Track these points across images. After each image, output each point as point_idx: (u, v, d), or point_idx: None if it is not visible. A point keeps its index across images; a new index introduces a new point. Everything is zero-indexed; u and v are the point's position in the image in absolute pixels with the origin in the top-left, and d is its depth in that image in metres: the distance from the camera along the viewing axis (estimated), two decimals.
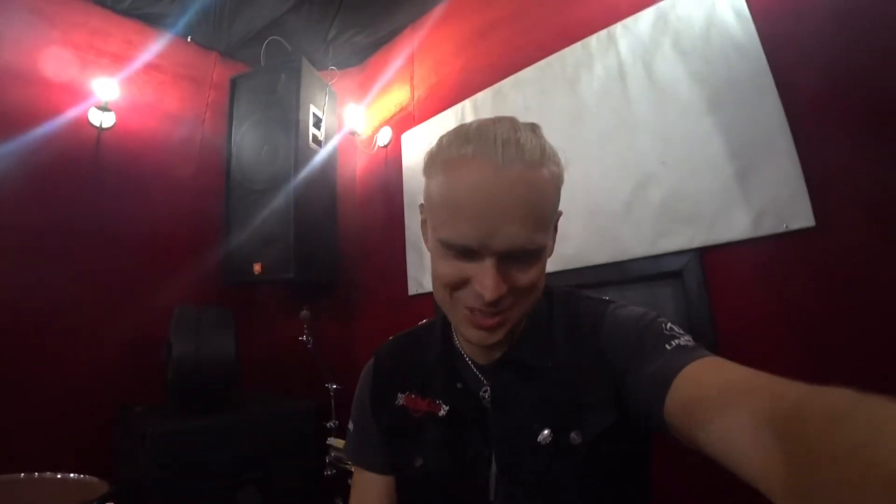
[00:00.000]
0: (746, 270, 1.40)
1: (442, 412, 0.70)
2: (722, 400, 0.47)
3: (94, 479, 1.54)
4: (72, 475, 1.56)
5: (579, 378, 0.65)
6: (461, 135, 0.59)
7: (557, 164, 0.60)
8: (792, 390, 0.42)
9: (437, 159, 0.60)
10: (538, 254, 0.58)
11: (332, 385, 2.11)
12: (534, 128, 0.61)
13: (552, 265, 1.81)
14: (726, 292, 1.44)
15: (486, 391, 0.69)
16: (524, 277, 0.58)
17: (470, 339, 0.62)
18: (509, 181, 0.54)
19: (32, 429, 1.80)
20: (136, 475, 1.69)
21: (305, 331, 2.13)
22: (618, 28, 1.72)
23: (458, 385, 0.71)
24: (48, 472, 1.55)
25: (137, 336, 2.08)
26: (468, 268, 0.58)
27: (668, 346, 0.58)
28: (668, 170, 1.57)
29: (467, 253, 0.57)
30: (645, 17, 1.66)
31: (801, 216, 1.31)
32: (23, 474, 1.52)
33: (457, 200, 0.56)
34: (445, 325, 0.78)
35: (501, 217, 0.54)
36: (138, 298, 2.14)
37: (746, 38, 1.44)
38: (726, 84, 1.47)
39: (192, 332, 1.90)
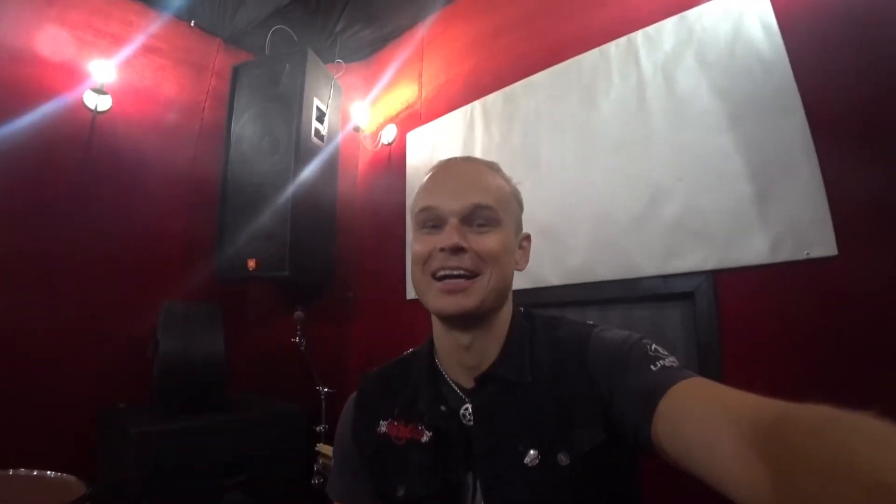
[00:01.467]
0: (761, 297, 1.35)
1: (425, 438, 0.71)
2: (706, 416, 0.49)
3: (72, 479, 1.48)
4: (49, 473, 1.50)
5: (565, 398, 0.66)
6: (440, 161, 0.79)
7: (509, 181, 0.77)
8: (773, 407, 0.43)
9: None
10: (495, 221, 0.70)
11: (323, 388, 2.05)
12: (492, 162, 0.78)
13: (556, 277, 1.77)
14: (738, 319, 1.38)
15: (467, 409, 0.71)
16: (483, 241, 0.68)
17: (446, 309, 0.68)
18: (464, 168, 0.75)
19: (12, 426, 1.73)
20: (118, 476, 1.63)
21: (298, 332, 2.07)
22: (639, 36, 1.65)
23: (442, 408, 0.72)
24: (23, 469, 1.49)
25: (124, 331, 2.01)
26: (435, 238, 0.69)
27: (653, 367, 0.61)
28: (684, 186, 1.51)
29: (434, 221, 0.70)
30: (668, 27, 1.59)
31: (823, 244, 1.25)
32: None
33: (428, 185, 0.74)
34: (430, 350, 0.79)
35: (460, 186, 0.70)
36: (126, 291, 2.07)
37: (773, 53, 1.38)
38: (749, 100, 1.41)
39: (181, 329, 1.84)
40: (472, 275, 0.67)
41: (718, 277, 1.43)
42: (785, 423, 0.39)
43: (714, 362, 1.39)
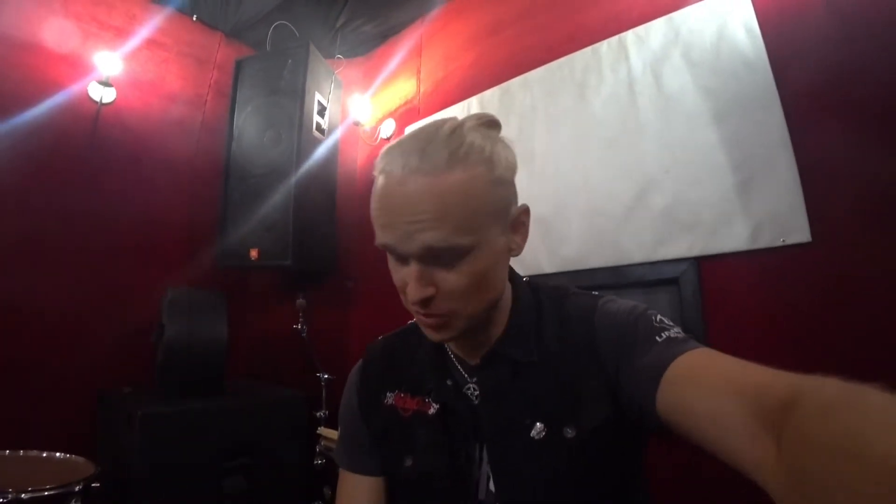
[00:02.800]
0: (742, 281, 1.44)
1: (432, 410, 0.70)
2: (713, 389, 0.48)
3: (81, 459, 1.53)
4: (58, 454, 1.55)
5: (572, 372, 0.65)
6: (386, 149, 0.62)
7: (480, 162, 0.58)
8: (781, 380, 0.43)
9: (374, 172, 0.63)
10: (461, 254, 0.58)
11: (324, 375, 2.10)
12: (453, 136, 0.58)
13: (551, 266, 1.85)
14: (720, 302, 1.47)
15: (469, 388, 0.70)
16: (451, 278, 0.59)
17: (431, 339, 0.65)
18: (411, 189, 0.56)
19: (14, 408, 1.76)
20: (120, 457, 1.67)
21: (300, 319, 2.13)
22: (629, 35, 1.74)
23: (448, 382, 0.71)
24: (34, 451, 1.53)
25: (126, 316, 2.05)
26: (404, 270, 0.61)
27: (658, 339, 0.59)
28: (672, 178, 1.60)
29: (398, 256, 0.60)
30: (657, 27, 1.68)
31: (798, 231, 1.35)
32: (8, 451, 1.50)
33: (375, 211, 0.60)
34: None
35: (410, 224, 0.56)
36: (130, 279, 2.10)
37: (755, 55, 1.47)
38: (733, 98, 1.50)
39: (185, 315, 1.88)
40: (448, 314, 0.61)
41: (703, 264, 1.51)
42: (794, 400, 0.38)
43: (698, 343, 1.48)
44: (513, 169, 0.64)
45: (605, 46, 1.80)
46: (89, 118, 2.03)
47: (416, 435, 0.71)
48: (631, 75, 1.72)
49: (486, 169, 0.59)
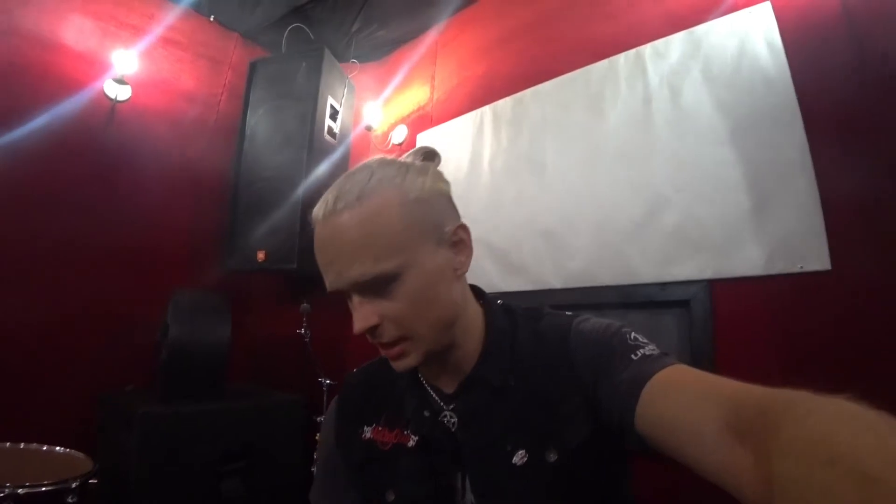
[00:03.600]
0: (755, 308, 1.39)
1: (411, 442, 0.69)
2: (689, 405, 0.49)
3: (80, 455, 1.54)
4: (58, 448, 1.56)
5: (550, 394, 0.65)
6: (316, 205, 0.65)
7: (392, 189, 0.61)
8: (756, 392, 0.44)
9: None
10: (390, 279, 0.59)
11: (325, 380, 2.09)
12: (364, 171, 0.63)
13: (557, 280, 1.81)
14: (732, 328, 1.42)
15: (445, 416, 0.69)
16: (391, 305, 0.60)
17: (397, 369, 0.65)
18: (329, 232, 0.60)
19: (18, 405, 1.78)
20: (119, 456, 1.67)
21: (304, 324, 2.12)
22: (647, 49, 1.70)
23: (426, 413, 0.70)
24: (34, 444, 1.54)
25: (135, 317, 2.06)
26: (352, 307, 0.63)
27: (633, 356, 0.60)
28: (684, 196, 1.55)
29: (341, 295, 0.63)
30: (676, 41, 1.64)
31: (817, 258, 1.29)
32: (8, 444, 1.51)
33: (316, 257, 0.63)
34: None
35: (337, 263, 0.60)
36: (136, 278, 2.12)
37: (777, 71, 1.42)
38: (751, 115, 1.46)
39: (189, 316, 1.88)
40: (398, 340, 0.62)
41: (714, 287, 1.47)
42: (768, 410, 0.39)
43: (707, 370, 1.42)
44: (434, 191, 0.65)
45: (623, 59, 1.77)
46: (104, 115, 2.06)
47: (398, 468, 0.70)
48: (647, 89, 1.68)
49: (396, 193, 0.61)
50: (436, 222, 0.63)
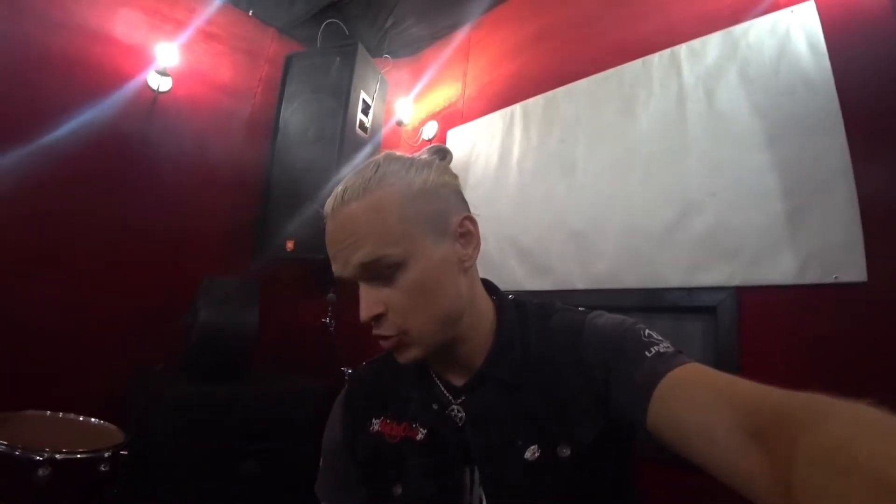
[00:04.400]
0: (785, 317, 1.34)
1: (420, 436, 0.69)
2: (703, 405, 0.48)
3: (113, 427, 1.62)
4: (93, 420, 1.64)
5: (561, 389, 0.64)
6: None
7: (396, 181, 0.63)
8: (772, 394, 0.43)
9: None
10: (394, 265, 0.61)
11: (348, 369, 2.13)
12: (369, 167, 0.65)
13: (582, 282, 1.80)
14: (759, 337, 1.38)
15: (453, 410, 0.69)
16: (395, 294, 0.61)
17: (400, 361, 0.66)
18: (336, 221, 0.63)
19: (57, 377, 1.88)
20: (147, 430, 1.74)
21: (329, 313, 2.16)
22: (682, 49, 1.66)
23: (434, 406, 0.70)
24: (72, 414, 1.63)
25: (168, 299, 2.14)
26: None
27: (647, 353, 0.59)
28: (716, 201, 1.51)
29: (348, 284, 0.64)
30: (713, 41, 1.59)
31: (853, 269, 1.24)
32: (49, 412, 1.60)
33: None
34: None
35: (344, 250, 0.62)
36: (173, 262, 2.20)
37: (818, 74, 1.37)
38: (790, 119, 1.41)
39: (219, 301, 1.94)
40: (400, 332, 0.62)
41: (742, 294, 1.43)
42: (785, 413, 0.38)
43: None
44: (439, 183, 0.66)
45: (657, 59, 1.73)
46: (147, 105, 2.14)
47: (405, 462, 0.69)
48: (682, 91, 1.65)
49: (401, 185, 0.63)
50: (440, 213, 0.65)
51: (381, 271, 0.61)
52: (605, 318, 0.68)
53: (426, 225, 0.63)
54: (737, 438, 0.42)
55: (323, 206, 0.67)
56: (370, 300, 0.62)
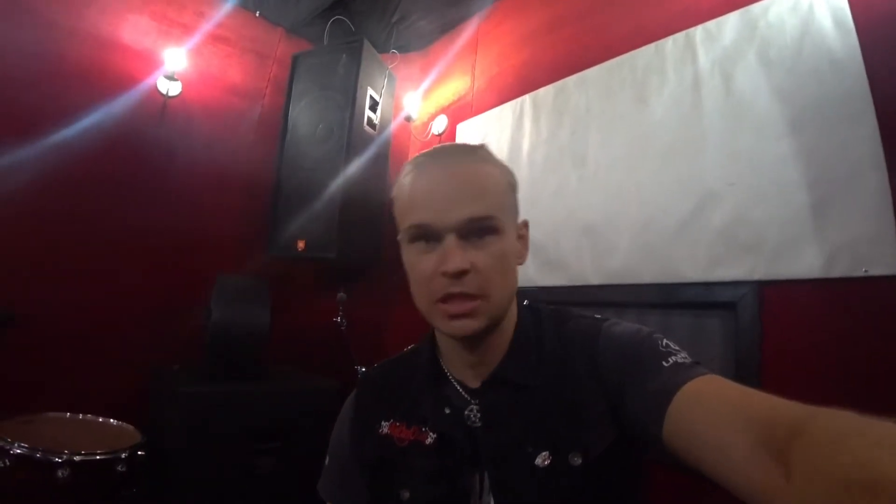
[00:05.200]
0: (810, 313, 1.27)
1: (429, 440, 0.68)
2: (721, 417, 0.47)
3: (130, 427, 1.66)
4: (112, 420, 1.69)
5: (574, 396, 0.64)
6: (415, 159, 0.70)
7: (502, 166, 0.70)
8: (790, 409, 0.42)
9: (399, 180, 0.70)
10: (494, 229, 0.63)
11: (360, 368, 2.13)
12: (479, 146, 0.70)
13: (596, 277, 1.74)
14: (782, 334, 1.31)
15: (471, 410, 0.68)
16: (482, 256, 0.62)
17: (453, 333, 0.64)
18: (450, 171, 0.65)
19: (77, 377, 1.94)
20: (165, 429, 1.78)
21: (340, 312, 2.16)
22: (698, 31, 1.58)
23: (447, 410, 0.69)
24: (89, 415, 1.67)
25: (183, 298, 2.18)
26: (434, 258, 0.62)
27: (665, 363, 0.58)
28: (736, 192, 1.44)
29: (431, 236, 0.63)
30: (730, 22, 1.51)
31: (884, 262, 1.16)
32: (69, 414, 1.65)
33: (416, 195, 0.65)
34: (432, 349, 0.76)
35: (454, 197, 0.62)
36: (187, 262, 2.24)
37: (846, 53, 1.28)
38: (814, 103, 1.32)
39: (232, 300, 1.97)
40: (477, 296, 0.62)
41: (764, 290, 1.35)
42: (804, 430, 0.37)
43: (753, 379, 1.33)
44: (517, 186, 0.72)
45: (671, 43, 1.65)
46: (157, 109, 2.17)
47: (413, 466, 0.69)
48: (697, 76, 1.57)
49: (506, 172, 0.70)
50: (516, 209, 0.71)
51: (481, 232, 0.63)
52: (622, 327, 0.67)
53: (513, 212, 0.69)
54: (754, 453, 0.41)
55: (415, 162, 0.69)
56: (461, 255, 0.61)
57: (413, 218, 0.64)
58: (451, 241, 0.61)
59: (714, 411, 0.49)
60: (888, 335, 1.13)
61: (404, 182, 0.67)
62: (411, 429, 0.71)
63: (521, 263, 0.70)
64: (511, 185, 0.70)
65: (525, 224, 0.73)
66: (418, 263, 0.65)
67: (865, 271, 1.19)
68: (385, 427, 0.73)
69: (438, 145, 0.70)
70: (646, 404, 0.56)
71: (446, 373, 0.73)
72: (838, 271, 1.22)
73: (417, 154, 0.70)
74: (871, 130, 1.21)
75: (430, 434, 0.69)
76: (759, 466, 0.40)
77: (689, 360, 0.59)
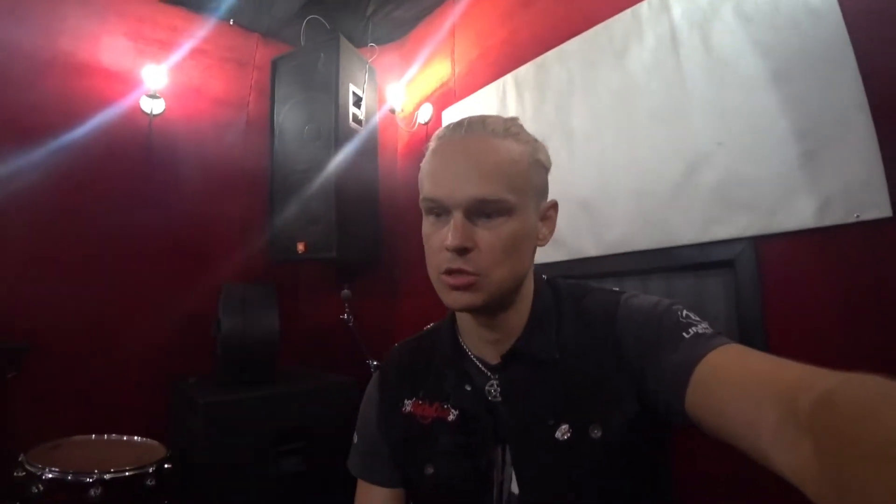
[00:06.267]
0: (807, 264, 1.28)
1: (451, 417, 0.70)
2: (745, 389, 0.46)
3: (155, 443, 1.69)
4: (136, 438, 1.72)
5: (594, 370, 0.64)
6: (441, 128, 0.70)
7: (528, 143, 0.67)
8: (819, 379, 0.40)
9: (427, 150, 0.70)
10: (504, 210, 0.62)
11: (372, 362, 2.16)
12: (508, 119, 0.68)
13: (596, 249, 1.75)
14: (782, 287, 1.32)
15: (491, 385, 0.69)
16: (488, 236, 0.62)
17: (452, 305, 0.65)
18: (469, 146, 0.64)
19: (99, 395, 1.99)
20: (187, 440, 1.82)
21: (346, 309, 2.19)
22: None
23: (467, 387, 0.70)
24: (114, 435, 1.71)
25: (191, 311, 2.21)
26: (442, 231, 0.63)
27: (685, 335, 0.58)
28: (725, 151, 1.44)
29: (441, 209, 0.64)
30: None
31: (876, 205, 1.16)
32: (94, 435, 1.69)
33: (431, 167, 0.66)
34: (452, 326, 0.77)
35: (463, 175, 0.62)
36: (191, 275, 2.27)
37: (823, 2, 1.26)
38: (796, 55, 1.31)
39: (239, 309, 1.99)
40: (474, 273, 0.62)
41: (761, 244, 1.36)
42: (833, 401, 0.36)
43: (758, 334, 1.35)
44: (550, 163, 0.70)
45: (646, 7, 1.64)
46: (143, 130, 2.18)
47: (437, 442, 0.70)
48: (676, 38, 1.55)
49: (532, 149, 0.66)
50: (542, 190, 0.69)
51: (490, 212, 0.62)
52: (641, 299, 0.67)
53: (534, 193, 0.66)
54: (779, 425, 0.41)
55: (439, 135, 0.68)
56: (465, 232, 0.62)
57: (426, 191, 0.65)
58: (457, 217, 0.62)
59: (737, 382, 0.48)
60: (883, 278, 1.15)
61: (430, 149, 0.68)
62: (433, 406, 0.72)
63: (542, 245, 0.70)
64: (536, 163, 0.66)
65: (553, 205, 0.71)
66: (430, 235, 0.66)
67: (857, 217, 1.19)
68: (408, 406, 0.75)
69: (468, 116, 0.68)
70: (668, 377, 0.56)
71: (466, 350, 0.74)
72: (831, 219, 1.23)
73: (446, 125, 0.70)
74: (853, 76, 1.21)
75: (452, 411, 0.70)
76: (784, 439, 0.40)
77: (710, 331, 0.58)
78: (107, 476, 1.40)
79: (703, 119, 1.49)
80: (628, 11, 1.69)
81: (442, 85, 2.54)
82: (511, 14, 2.21)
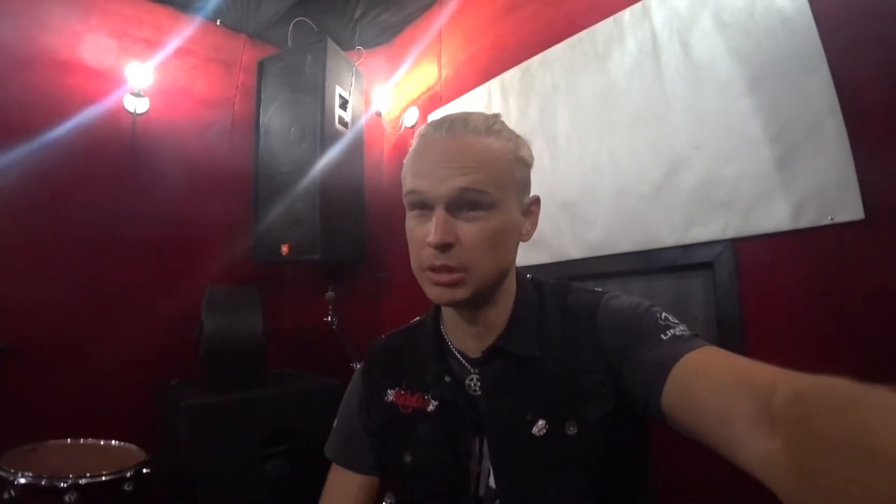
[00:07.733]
0: (783, 265, 1.31)
1: (431, 407, 0.71)
2: (721, 386, 0.48)
3: (133, 447, 1.66)
4: (114, 442, 1.68)
5: (574, 367, 0.65)
6: (424, 126, 0.70)
7: (510, 139, 0.68)
8: (789, 378, 0.42)
9: (410, 147, 0.70)
10: (487, 204, 0.63)
11: (356, 364, 2.15)
12: (490, 116, 0.69)
13: (577, 251, 1.77)
14: (760, 288, 1.35)
15: (472, 380, 0.70)
16: (471, 230, 0.62)
17: (435, 299, 0.65)
18: (451, 143, 0.64)
19: (81, 398, 1.94)
20: (171, 444, 1.79)
21: (330, 311, 2.17)
22: (653, 1, 1.60)
23: (447, 379, 0.71)
24: (91, 439, 1.68)
25: (175, 313, 2.18)
26: (426, 226, 0.64)
27: (663, 336, 0.59)
28: (703, 154, 1.47)
29: (423, 203, 0.64)
30: None
31: (849, 208, 1.20)
32: (69, 440, 1.65)
33: (411, 162, 0.67)
34: (436, 320, 0.79)
35: (445, 168, 0.62)
36: (174, 277, 2.24)
37: (796, 11, 1.31)
38: (771, 61, 1.35)
39: (223, 311, 1.97)
40: (458, 269, 0.62)
41: (739, 246, 1.39)
42: (804, 399, 0.37)
43: (736, 334, 1.37)
44: (532, 159, 0.72)
45: (628, 14, 1.67)
46: (126, 129, 2.15)
47: (416, 431, 0.72)
48: (656, 44, 1.59)
49: (514, 145, 0.68)
50: (525, 186, 0.70)
51: (471, 205, 0.63)
52: (622, 300, 0.69)
53: (516, 189, 0.67)
54: (754, 426, 0.42)
55: (423, 131, 0.69)
56: (447, 227, 0.62)
57: (408, 185, 0.66)
58: (439, 213, 0.62)
59: (712, 383, 0.50)
60: (856, 280, 1.18)
61: (414, 144, 0.69)
62: (415, 396, 0.74)
63: (524, 240, 0.71)
64: (518, 159, 0.67)
65: (535, 200, 0.73)
66: (412, 230, 0.67)
67: (831, 219, 1.22)
68: (391, 395, 0.77)
69: (450, 113, 0.69)
70: (645, 376, 0.58)
71: (449, 343, 0.75)
72: (806, 222, 1.27)
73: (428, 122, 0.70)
74: (825, 82, 1.25)
75: (432, 401, 0.71)
76: (758, 438, 0.41)
77: (687, 333, 0.60)
78: (82, 481, 1.36)
79: (683, 123, 1.52)
80: (610, 19, 1.73)
81: (428, 89, 2.56)
82: (497, 20, 2.23)
